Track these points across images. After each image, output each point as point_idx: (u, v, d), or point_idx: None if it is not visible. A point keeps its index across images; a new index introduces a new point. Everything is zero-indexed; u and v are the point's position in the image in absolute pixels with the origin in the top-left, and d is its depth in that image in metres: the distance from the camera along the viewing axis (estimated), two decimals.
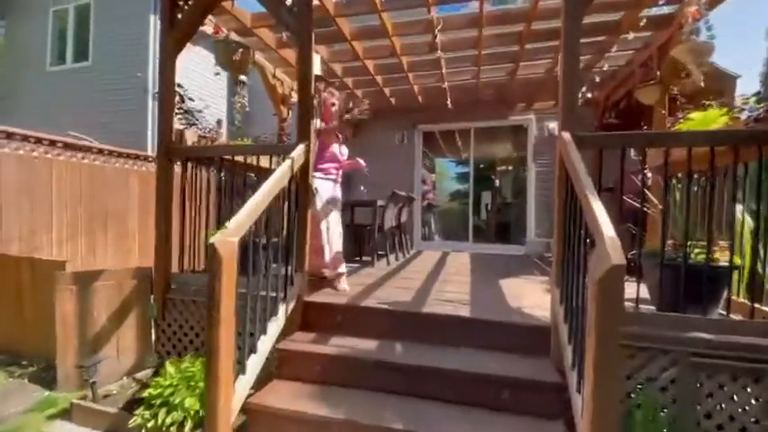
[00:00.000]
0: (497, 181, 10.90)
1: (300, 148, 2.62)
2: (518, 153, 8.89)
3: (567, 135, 2.18)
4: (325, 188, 3.31)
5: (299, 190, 2.68)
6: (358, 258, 4.90)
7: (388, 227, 4.55)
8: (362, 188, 5.22)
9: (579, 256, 1.81)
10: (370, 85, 5.30)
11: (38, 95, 9.47)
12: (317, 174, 3.32)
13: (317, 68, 3.21)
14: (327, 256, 3.26)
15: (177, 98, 3.22)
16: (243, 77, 3.42)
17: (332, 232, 3.35)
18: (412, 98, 5.87)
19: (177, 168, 3.20)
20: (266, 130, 5.28)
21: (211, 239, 1.80)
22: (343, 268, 3.26)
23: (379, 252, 4.46)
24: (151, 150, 6.18)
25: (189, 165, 3.22)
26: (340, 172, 3.48)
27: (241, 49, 2.77)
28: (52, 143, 4.53)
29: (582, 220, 1.81)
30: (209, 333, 1.79)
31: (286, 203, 2.54)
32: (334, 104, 3.31)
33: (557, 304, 2.18)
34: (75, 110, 8.83)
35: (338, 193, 3.42)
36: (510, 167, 10.44)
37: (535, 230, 6.06)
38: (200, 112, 3.37)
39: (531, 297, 2.92)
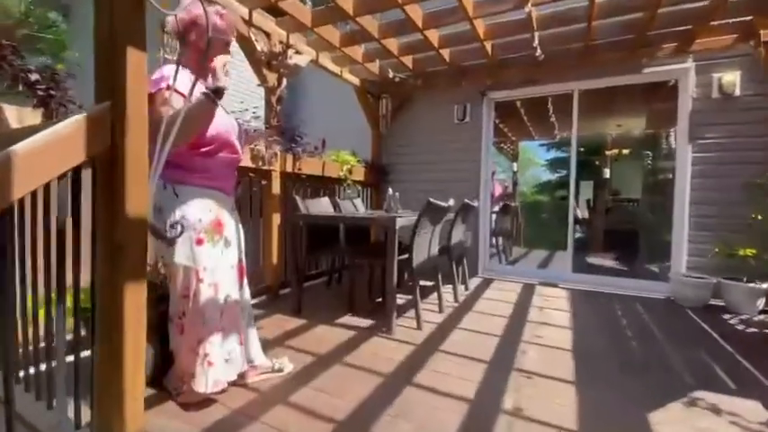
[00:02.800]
0: (606, 170, 8.05)
1: (76, 120, 0.94)
2: (650, 128, 6.17)
3: None
4: (200, 209, 1.64)
5: (101, 219, 1.02)
6: (380, 300, 3.13)
7: (421, 261, 2.68)
8: (391, 191, 3.40)
9: None
10: (404, 29, 3.39)
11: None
12: (194, 181, 1.64)
13: None
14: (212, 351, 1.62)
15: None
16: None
17: (228, 304, 1.70)
18: (476, 50, 3.81)
19: None
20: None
21: None
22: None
23: (416, 289, 2.62)
24: None
25: None
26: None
27: None
28: None
29: None
30: None
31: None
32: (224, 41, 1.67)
33: None
34: None
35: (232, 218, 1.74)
36: (628, 149, 7.60)
37: (688, 258, 3.60)
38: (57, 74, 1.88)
39: None
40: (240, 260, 1.79)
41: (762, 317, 3.08)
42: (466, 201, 3.25)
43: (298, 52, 3.56)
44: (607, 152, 8.51)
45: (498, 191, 6.85)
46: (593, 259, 6.21)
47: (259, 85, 3.28)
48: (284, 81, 3.33)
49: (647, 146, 6.00)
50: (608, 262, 5.99)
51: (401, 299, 3.33)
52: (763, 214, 3.22)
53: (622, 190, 7.68)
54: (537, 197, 11.73)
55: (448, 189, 4.64)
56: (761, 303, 3.13)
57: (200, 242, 1.56)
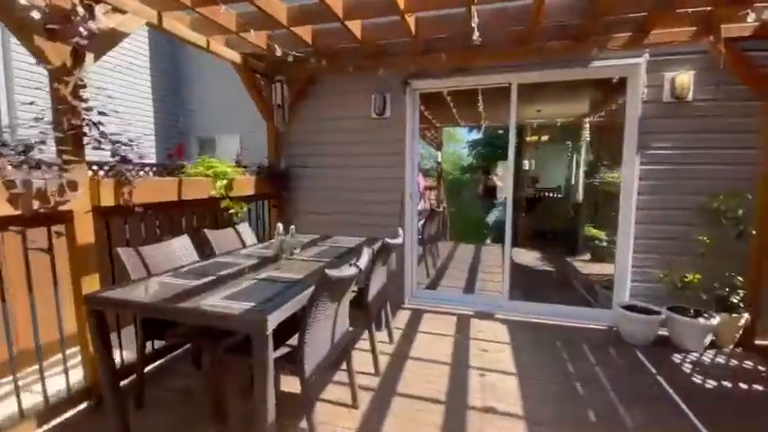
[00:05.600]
0: (529, 161, 7.77)
1: None
2: (589, 114, 5.90)
3: None
4: None
5: None
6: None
7: (319, 360, 1.75)
8: (281, 227, 2.38)
9: None
10: None
11: None
12: None
13: None
14: None
15: None
16: None
17: None
18: (395, 25, 2.83)
19: None
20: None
21: None
22: None
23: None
24: None
25: None
26: None
27: None
28: None
29: None
30: None
31: None
32: None
33: None
34: None
35: None
36: (548, 136, 7.43)
37: (632, 285, 3.22)
38: None
39: None
40: None
41: (714, 356, 2.78)
42: (386, 240, 2.36)
43: (118, 9, 2.23)
44: (528, 138, 8.28)
45: (423, 184, 6.20)
46: (519, 254, 5.90)
47: (37, 64, 1.92)
48: (87, 57, 2.02)
49: (571, 134, 5.75)
50: (534, 257, 5.72)
51: None
52: (715, 239, 2.88)
53: (543, 179, 7.55)
54: (459, 176, 11.45)
55: (364, 200, 3.76)
56: (708, 340, 2.84)
57: None
